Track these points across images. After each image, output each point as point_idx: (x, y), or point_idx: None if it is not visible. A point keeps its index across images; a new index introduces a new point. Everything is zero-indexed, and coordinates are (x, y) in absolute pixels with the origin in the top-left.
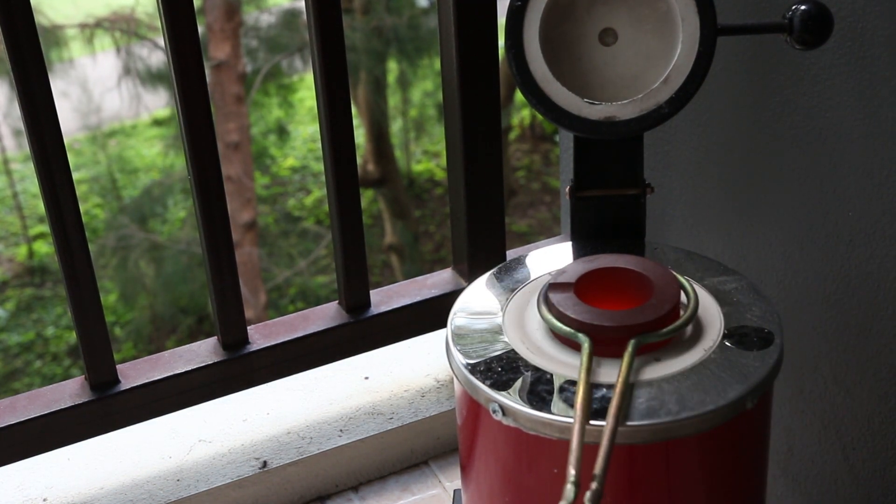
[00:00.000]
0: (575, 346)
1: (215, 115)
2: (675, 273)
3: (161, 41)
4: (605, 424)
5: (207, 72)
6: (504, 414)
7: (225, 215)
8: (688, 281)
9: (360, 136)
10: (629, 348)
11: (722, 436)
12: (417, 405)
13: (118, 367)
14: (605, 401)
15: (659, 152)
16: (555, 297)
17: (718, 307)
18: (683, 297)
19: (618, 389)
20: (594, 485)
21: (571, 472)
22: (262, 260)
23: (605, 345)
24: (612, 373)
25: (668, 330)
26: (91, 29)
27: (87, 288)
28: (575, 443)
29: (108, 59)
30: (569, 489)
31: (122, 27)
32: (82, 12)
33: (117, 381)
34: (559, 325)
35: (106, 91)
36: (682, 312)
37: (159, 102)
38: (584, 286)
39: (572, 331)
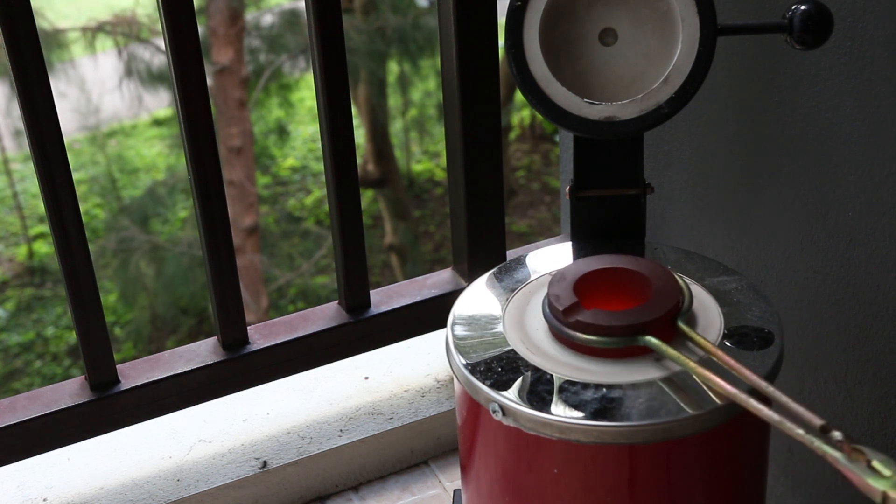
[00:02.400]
0: (589, 352)
1: (217, 119)
2: (646, 258)
3: (162, 44)
4: (749, 376)
5: (210, 76)
6: (504, 414)
7: (225, 216)
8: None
9: (360, 136)
10: (682, 325)
11: (722, 436)
12: (417, 405)
13: (118, 367)
14: (606, 400)
15: (659, 152)
16: (584, 317)
17: (718, 307)
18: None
19: (715, 350)
20: (836, 432)
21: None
22: (262, 263)
23: (657, 335)
24: (611, 372)
25: (687, 301)
26: (92, 32)
27: (87, 288)
28: (770, 416)
29: (109, 59)
30: (816, 440)
31: (124, 30)
32: (84, 15)
33: (117, 381)
34: (613, 339)
35: (106, 92)
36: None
37: (160, 102)
38: (585, 298)
39: (630, 337)
